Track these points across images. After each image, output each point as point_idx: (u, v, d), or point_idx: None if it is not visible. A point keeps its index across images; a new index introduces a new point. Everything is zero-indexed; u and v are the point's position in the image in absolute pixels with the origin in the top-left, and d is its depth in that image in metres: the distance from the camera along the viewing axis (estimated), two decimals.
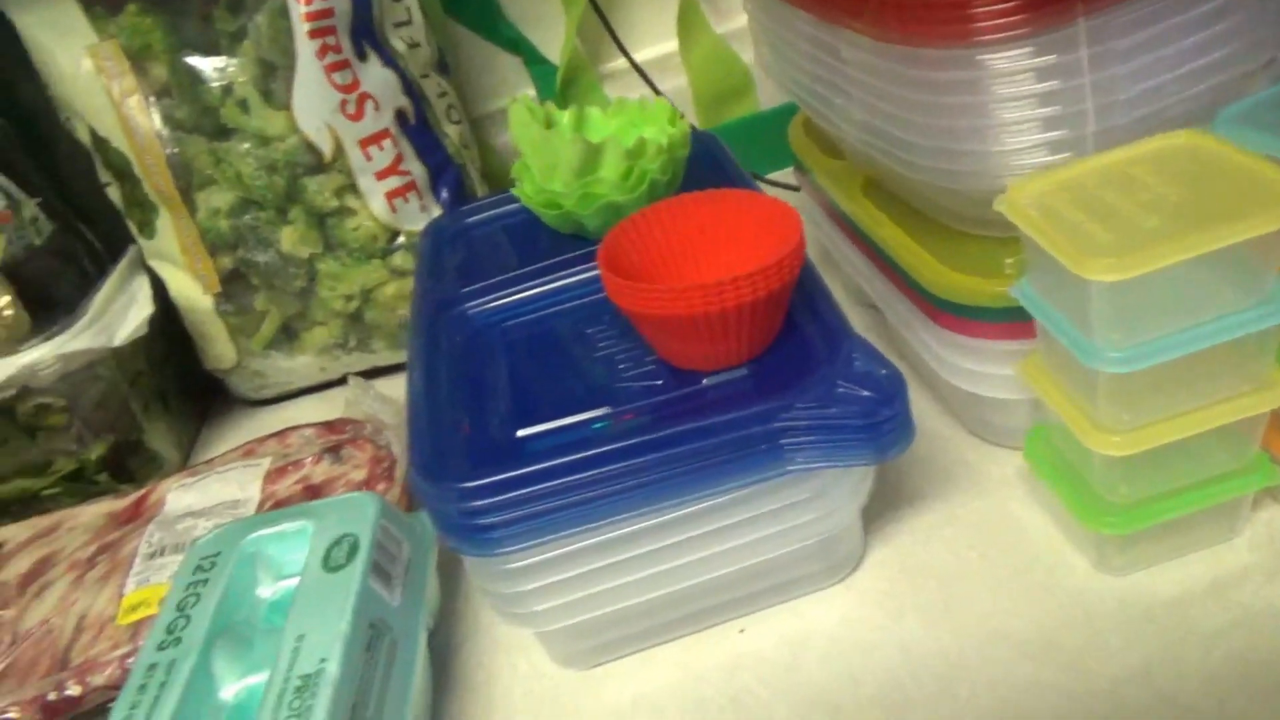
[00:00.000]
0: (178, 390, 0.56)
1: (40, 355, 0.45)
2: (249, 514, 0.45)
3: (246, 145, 0.47)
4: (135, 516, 0.48)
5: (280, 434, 0.51)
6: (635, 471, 0.29)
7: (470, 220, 0.45)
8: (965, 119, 0.31)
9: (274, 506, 0.46)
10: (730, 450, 0.29)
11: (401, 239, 0.50)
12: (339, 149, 0.47)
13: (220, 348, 0.53)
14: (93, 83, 0.47)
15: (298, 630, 0.32)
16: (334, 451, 0.48)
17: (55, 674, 0.41)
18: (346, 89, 0.47)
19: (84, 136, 0.50)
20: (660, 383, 0.32)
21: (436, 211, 0.51)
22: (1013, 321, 0.33)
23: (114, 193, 0.51)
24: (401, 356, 0.54)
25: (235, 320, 0.52)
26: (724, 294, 0.29)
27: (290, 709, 0.29)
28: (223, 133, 0.48)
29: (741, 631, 0.35)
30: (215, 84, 0.47)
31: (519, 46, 0.60)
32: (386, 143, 0.48)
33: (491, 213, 0.45)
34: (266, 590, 0.37)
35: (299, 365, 0.54)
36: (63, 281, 0.52)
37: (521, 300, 0.39)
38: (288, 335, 0.53)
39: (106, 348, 0.47)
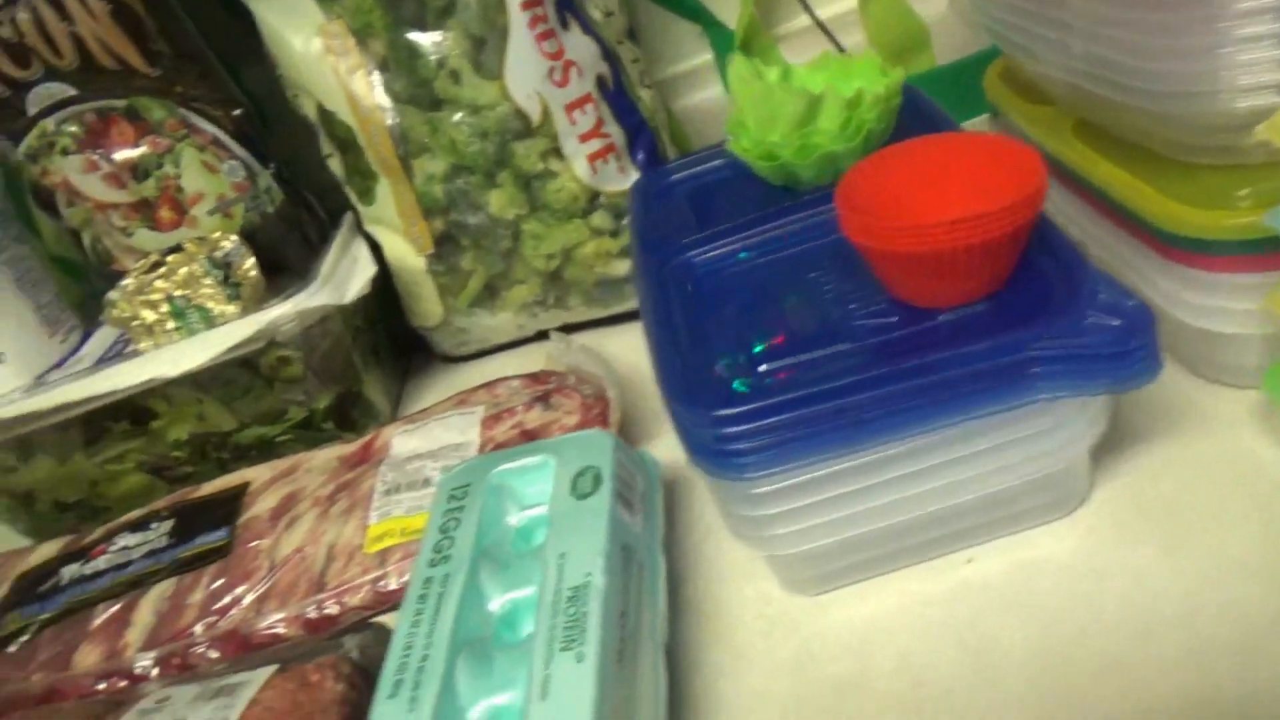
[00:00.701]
0: (387, 347, 0.61)
1: (284, 311, 0.50)
2: (471, 455, 0.49)
3: (459, 114, 0.51)
4: (364, 459, 0.52)
5: (489, 385, 0.55)
6: (882, 401, 0.31)
7: (675, 177, 0.47)
8: (1198, 37, 0.31)
9: (494, 449, 0.49)
10: (979, 379, 0.30)
11: (601, 199, 0.53)
12: (546, 114, 0.50)
13: (429, 305, 0.57)
14: (321, 61, 0.51)
15: (559, 549, 0.35)
16: (543, 400, 0.51)
17: (314, 595, 0.45)
18: (554, 57, 0.50)
19: (310, 112, 0.54)
20: (895, 319, 0.34)
21: (633, 172, 0.53)
22: (1253, 254, 0.33)
23: (335, 164, 0.55)
24: (595, 313, 0.58)
25: (444, 279, 0.55)
26: (973, 230, 0.30)
27: (567, 615, 0.32)
28: (437, 103, 0.51)
29: (969, 561, 0.36)
30: (430, 57, 0.50)
31: (697, 14, 0.62)
32: (589, 107, 0.51)
33: (694, 169, 0.47)
34: (512, 519, 0.40)
35: (499, 322, 0.57)
36: (289, 247, 0.56)
37: (739, 248, 0.40)
38: (490, 293, 0.56)
39: (338, 304, 0.51)
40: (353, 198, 0.56)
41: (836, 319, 0.35)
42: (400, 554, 0.45)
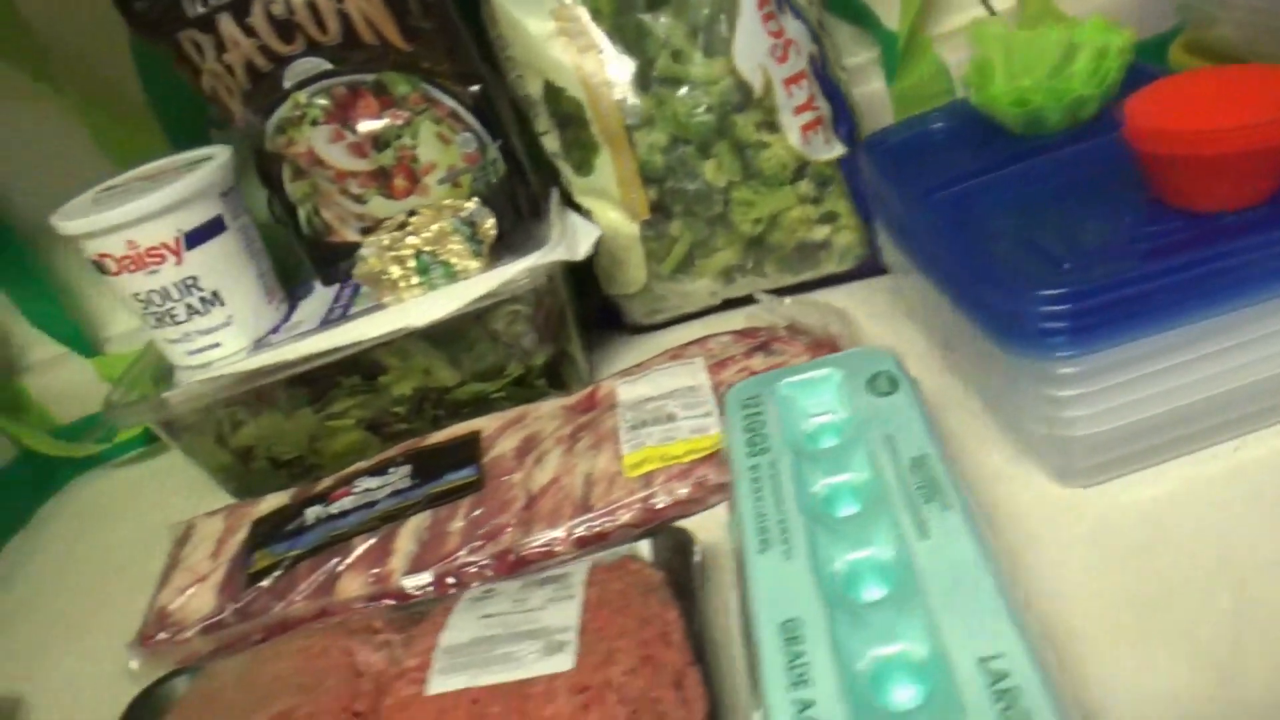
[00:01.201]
0: (581, 313, 0.64)
1: (529, 264, 0.54)
2: (705, 400, 0.52)
3: (684, 90, 0.56)
4: (591, 407, 0.56)
5: (699, 341, 0.58)
6: (1189, 285, 0.35)
7: (899, 138, 0.52)
8: None
9: (726, 390, 0.52)
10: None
11: (807, 169, 0.57)
12: (768, 87, 0.55)
13: (634, 271, 0.61)
14: (554, 40, 0.56)
15: (881, 433, 0.38)
16: (763, 348, 0.55)
17: (581, 516, 0.48)
18: (776, 35, 0.55)
19: (533, 90, 0.58)
20: (1181, 224, 0.38)
21: (837, 144, 0.58)
22: None
23: (550, 140, 0.60)
24: (787, 279, 0.62)
25: (652, 245, 0.60)
26: (1265, 133, 0.35)
27: (916, 480, 0.35)
28: (661, 81, 0.56)
29: (1236, 450, 0.40)
30: (657, 36, 0.55)
31: (861, 16, 0.68)
32: (804, 82, 0.56)
33: (914, 131, 0.52)
34: (802, 426, 0.43)
35: (696, 288, 0.61)
36: (505, 217, 0.60)
37: (989, 185, 0.45)
38: (690, 260, 0.60)
39: (574, 259, 0.55)
40: (566, 171, 0.60)
41: (1122, 230, 0.39)
42: (663, 476, 0.48)
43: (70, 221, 0.55)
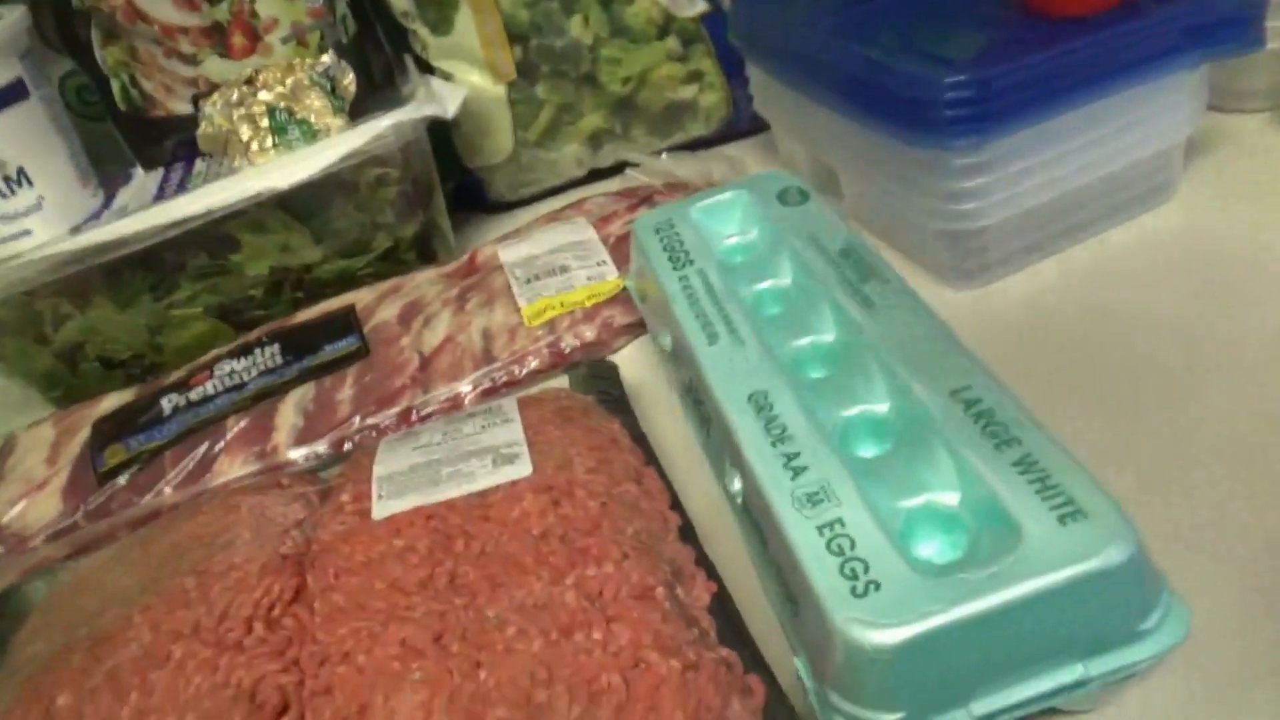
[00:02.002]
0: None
1: (400, 119, 0.50)
2: (596, 251, 0.51)
3: None
4: (473, 271, 0.53)
5: (574, 205, 0.57)
6: (1056, 77, 0.38)
7: None
8: None
9: (616, 243, 0.52)
10: (1149, 45, 0.38)
11: (672, 25, 0.57)
12: None
13: (501, 139, 0.58)
14: None
15: (804, 234, 0.39)
16: (646, 201, 0.55)
17: (484, 367, 0.46)
18: None
19: None
20: (1048, 27, 0.41)
21: (700, 0, 0.58)
22: None
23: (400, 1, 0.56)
24: (655, 143, 0.62)
25: (520, 109, 0.58)
26: None
27: (850, 266, 0.36)
28: None
29: (1101, 244, 0.44)
30: None
31: None
32: None
33: None
34: (717, 244, 0.43)
35: (564, 155, 0.60)
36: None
37: (868, 14, 0.47)
38: (558, 125, 0.59)
39: (443, 116, 0.52)
40: (421, 32, 0.57)
41: (1000, 38, 0.42)
42: (567, 321, 0.47)
43: None
